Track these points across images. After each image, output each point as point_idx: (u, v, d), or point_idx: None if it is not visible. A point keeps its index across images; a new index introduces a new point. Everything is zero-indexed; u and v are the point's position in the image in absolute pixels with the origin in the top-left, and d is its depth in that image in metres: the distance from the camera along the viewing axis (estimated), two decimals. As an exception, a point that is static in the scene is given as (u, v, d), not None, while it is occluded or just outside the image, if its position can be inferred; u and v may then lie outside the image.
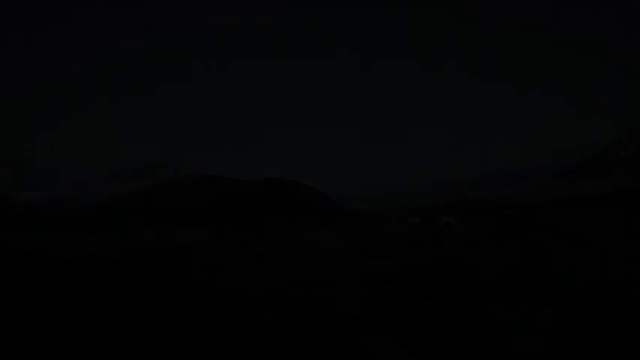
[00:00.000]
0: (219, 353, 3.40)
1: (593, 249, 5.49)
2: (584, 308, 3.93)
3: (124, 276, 7.48)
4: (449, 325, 4.66)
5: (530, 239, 6.15)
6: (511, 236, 6.52)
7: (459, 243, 12.97)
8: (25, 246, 16.09)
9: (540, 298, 4.65)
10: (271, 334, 3.24)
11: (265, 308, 4.34)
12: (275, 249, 15.12)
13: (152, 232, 27.23)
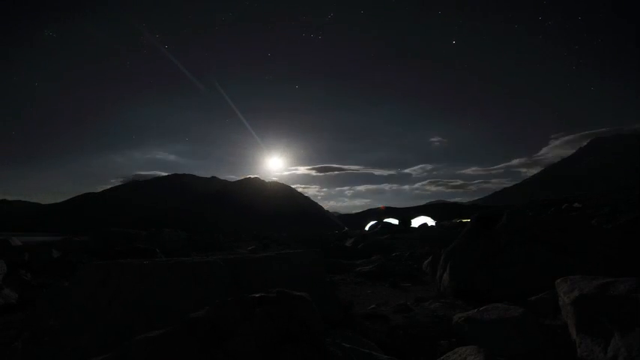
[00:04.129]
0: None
1: (556, 250, 5.69)
2: (547, 308, 4.04)
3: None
4: (421, 324, 4.71)
5: (498, 239, 6.29)
6: (479, 236, 6.65)
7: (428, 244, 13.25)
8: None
9: (509, 298, 4.75)
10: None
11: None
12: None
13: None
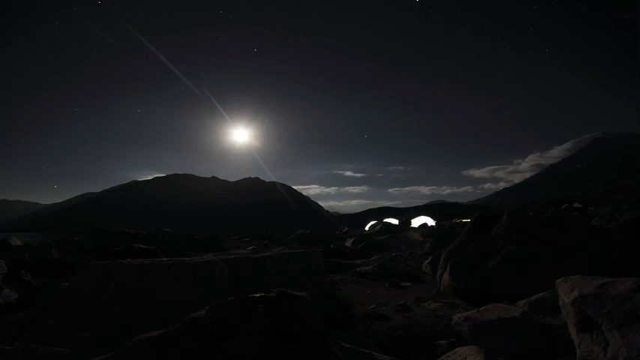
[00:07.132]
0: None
1: (556, 250, 5.68)
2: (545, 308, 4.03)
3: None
4: (421, 323, 4.71)
5: (498, 239, 6.28)
6: (479, 236, 6.65)
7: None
8: None
9: (509, 298, 4.75)
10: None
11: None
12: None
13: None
